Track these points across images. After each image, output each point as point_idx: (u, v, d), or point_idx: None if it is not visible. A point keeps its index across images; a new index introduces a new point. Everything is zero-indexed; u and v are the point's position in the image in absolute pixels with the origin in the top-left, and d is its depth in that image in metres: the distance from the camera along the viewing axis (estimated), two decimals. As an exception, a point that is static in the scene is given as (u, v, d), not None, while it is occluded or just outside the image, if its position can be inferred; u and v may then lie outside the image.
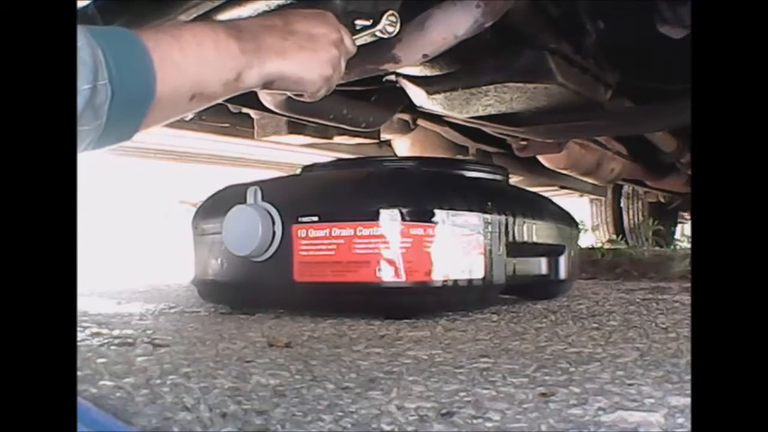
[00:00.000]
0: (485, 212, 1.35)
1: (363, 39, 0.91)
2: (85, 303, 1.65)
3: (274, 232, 1.30)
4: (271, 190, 1.36)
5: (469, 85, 1.61)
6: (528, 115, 1.80)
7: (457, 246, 1.29)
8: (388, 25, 0.92)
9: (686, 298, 1.62)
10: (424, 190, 1.35)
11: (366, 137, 2.17)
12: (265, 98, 1.60)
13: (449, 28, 1.27)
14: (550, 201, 1.75)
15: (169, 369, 0.83)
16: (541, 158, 2.35)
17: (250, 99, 1.64)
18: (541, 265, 1.56)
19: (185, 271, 1.64)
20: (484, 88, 1.61)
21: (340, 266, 1.26)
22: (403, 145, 2.49)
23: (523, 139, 2.09)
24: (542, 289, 1.62)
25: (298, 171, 1.69)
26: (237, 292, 1.44)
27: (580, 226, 2.38)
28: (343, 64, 0.81)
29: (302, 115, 1.77)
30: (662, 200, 3.78)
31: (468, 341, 1.03)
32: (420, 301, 1.29)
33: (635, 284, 2.05)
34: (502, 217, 1.38)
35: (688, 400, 0.66)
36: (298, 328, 1.18)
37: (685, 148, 2.36)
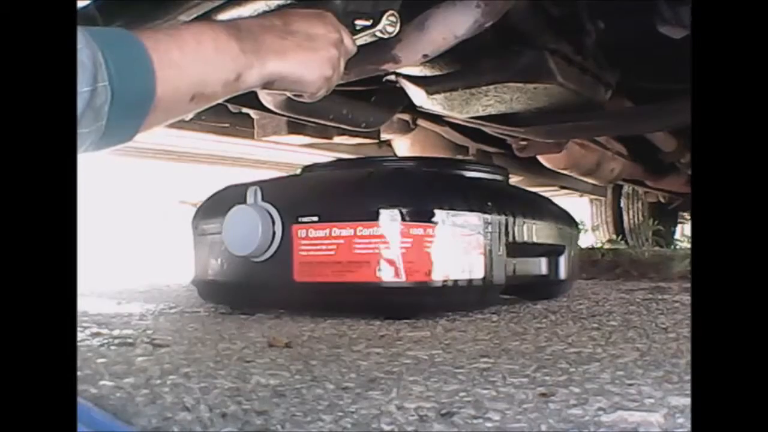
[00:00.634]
0: (485, 212, 1.35)
1: (363, 39, 0.91)
2: (85, 303, 1.65)
3: (274, 232, 1.30)
4: (271, 190, 1.36)
5: (469, 85, 1.61)
6: (528, 115, 1.80)
7: (457, 246, 1.29)
8: (388, 25, 0.92)
9: (686, 298, 1.62)
10: (424, 190, 1.35)
11: (366, 137, 2.16)
12: (265, 98, 1.60)
13: (449, 28, 1.27)
14: (550, 201, 1.75)
15: (169, 369, 0.83)
16: (541, 158, 2.35)
17: (250, 99, 1.64)
18: (541, 265, 1.55)
19: (185, 271, 1.64)
20: (484, 88, 1.61)
21: (340, 266, 1.26)
22: (403, 145, 2.49)
23: (523, 139, 2.09)
24: (542, 289, 1.62)
25: (298, 171, 1.69)
26: (237, 292, 1.44)
27: (580, 226, 2.39)
28: (342, 64, 0.81)
29: (302, 115, 1.76)
30: (662, 200, 3.77)
31: (468, 341, 1.03)
32: (420, 301, 1.29)
33: (635, 284, 2.05)
34: (502, 218, 1.38)
35: (688, 400, 0.66)
36: (298, 328, 1.18)
37: (685, 148, 2.36)
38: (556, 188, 3.10)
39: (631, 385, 0.75)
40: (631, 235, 3.89)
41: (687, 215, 4.44)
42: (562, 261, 1.60)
